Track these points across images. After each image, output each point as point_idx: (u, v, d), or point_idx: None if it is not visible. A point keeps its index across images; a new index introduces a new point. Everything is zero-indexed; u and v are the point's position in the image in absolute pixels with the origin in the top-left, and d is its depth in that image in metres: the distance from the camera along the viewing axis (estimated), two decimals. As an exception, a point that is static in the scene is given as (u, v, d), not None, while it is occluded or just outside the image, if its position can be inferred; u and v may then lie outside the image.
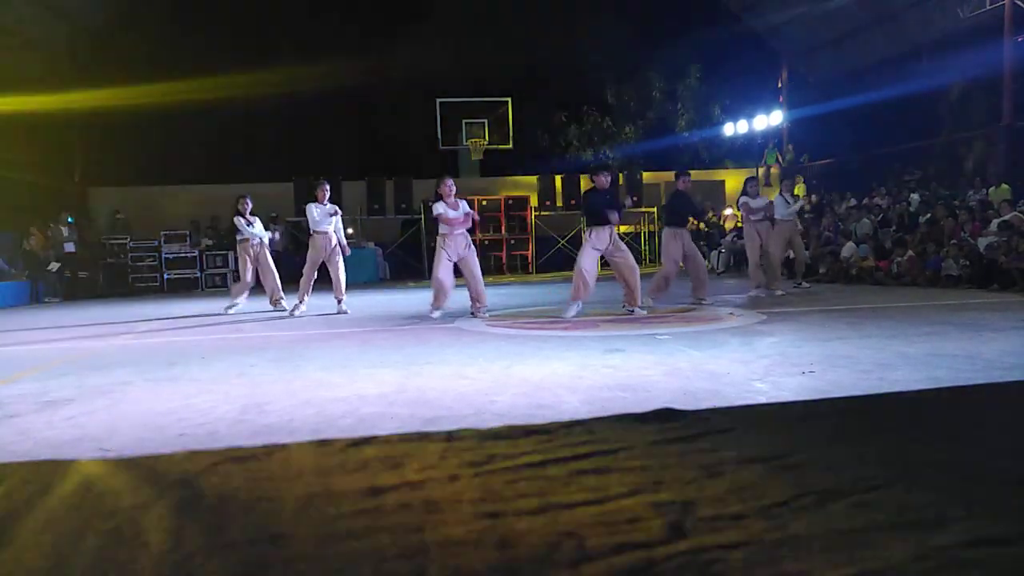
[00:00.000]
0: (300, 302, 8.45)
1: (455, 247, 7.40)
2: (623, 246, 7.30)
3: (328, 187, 8.60)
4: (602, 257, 7.36)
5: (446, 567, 1.82)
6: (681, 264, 8.39)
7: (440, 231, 7.44)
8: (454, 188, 7.55)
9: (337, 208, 8.55)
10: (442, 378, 4.18)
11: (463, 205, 7.52)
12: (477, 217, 7.85)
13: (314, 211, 8.33)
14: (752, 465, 2.48)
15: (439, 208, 7.39)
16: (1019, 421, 3.06)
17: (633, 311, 7.13)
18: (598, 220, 7.10)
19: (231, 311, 9.00)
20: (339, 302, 8.50)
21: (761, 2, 17.74)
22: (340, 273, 8.48)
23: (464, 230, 7.46)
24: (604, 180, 7.27)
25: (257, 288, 9.26)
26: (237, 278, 9.86)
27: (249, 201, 9.12)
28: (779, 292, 9.01)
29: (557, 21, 20.53)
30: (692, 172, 19.21)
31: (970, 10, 13.27)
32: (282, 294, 8.99)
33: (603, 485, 2.35)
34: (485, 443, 2.89)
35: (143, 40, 17.05)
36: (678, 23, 18.90)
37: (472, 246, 7.60)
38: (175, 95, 17.57)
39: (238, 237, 9.07)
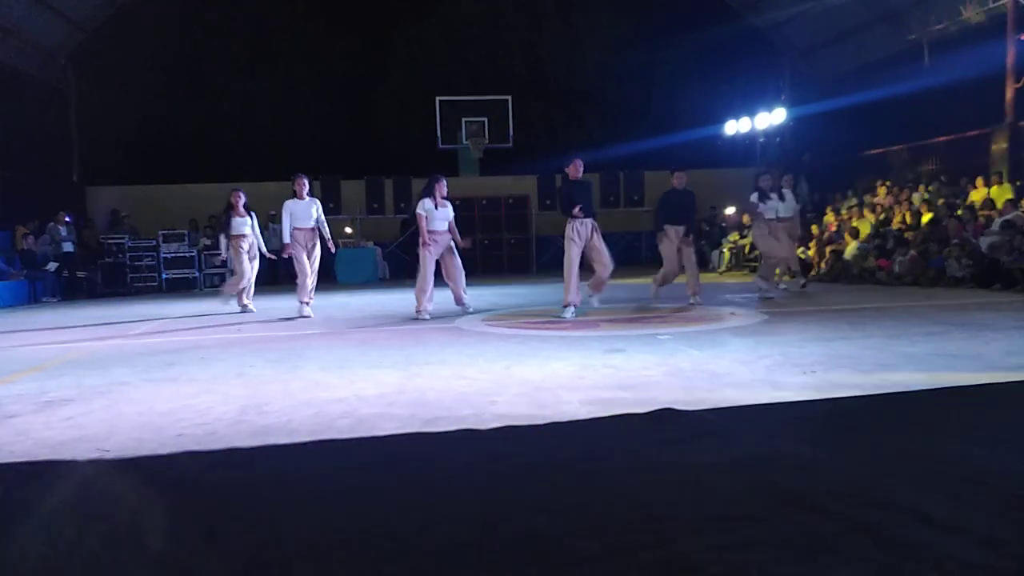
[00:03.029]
0: (307, 303, 8.00)
1: (437, 248, 7.47)
2: (601, 242, 7.29)
3: (306, 181, 8.05)
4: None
5: (444, 566, 1.82)
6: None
7: (424, 237, 7.41)
8: (446, 188, 7.55)
9: (317, 201, 8.14)
10: (442, 378, 4.17)
11: (449, 207, 7.54)
12: (460, 240, 7.71)
13: (291, 207, 7.94)
14: (751, 465, 2.47)
15: (426, 206, 7.36)
16: (1020, 421, 3.05)
17: (592, 298, 7.32)
18: (587, 212, 7.18)
19: (231, 304, 8.80)
20: (306, 304, 7.93)
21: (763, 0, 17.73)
22: (314, 271, 8.04)
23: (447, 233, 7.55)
24: (578, 169, 7.35)
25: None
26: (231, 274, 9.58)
27: (242, 194, 8.76)
28: (781, 287, 8.98)
29: (557, 20, 20.52)
30: (693, 171, 19.27)
31: (973, 8, 13.26)
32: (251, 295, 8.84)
33: (602, 485, 2.34)
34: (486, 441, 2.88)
35: (143, 40, 17.04)
36: (679, 21, 18.89)
37: (454, 246, 7.62)
38: (174, 94, 17.57)
39: (232, 232, 8.72)
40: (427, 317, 7.31)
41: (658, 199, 8.36)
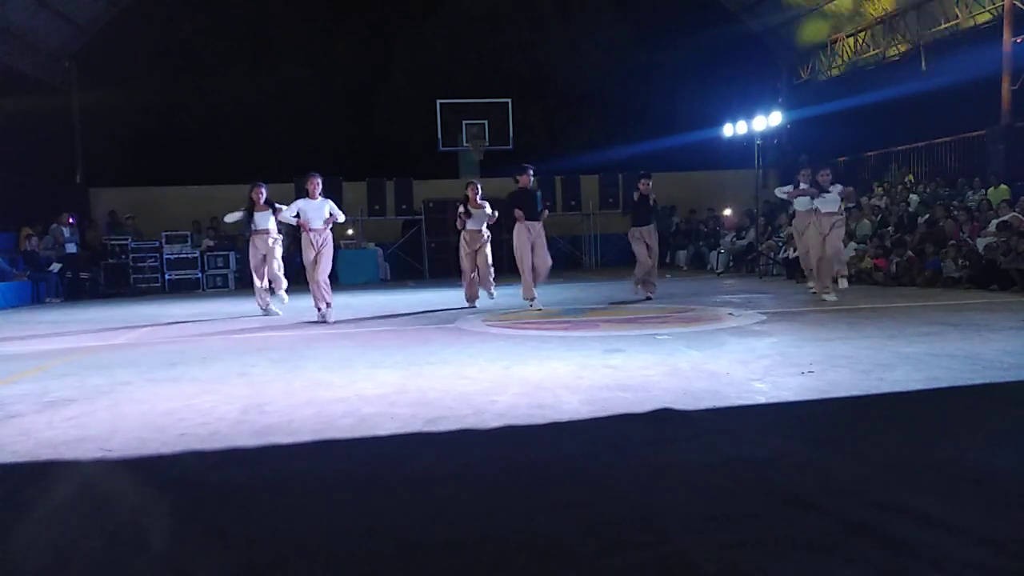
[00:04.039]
0: (322, 308, 7.63)
1: (471, 245, 8.64)
2: (543, 241, 8.37)
3: (319, 180, 7.83)
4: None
5: (445, 567, 1.83)
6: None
7: (464, 229, 8.66)
8: (477, 193, 8.70)
9: (329, 200, 7.94)
10: (443, 378, 4.18)
11: (484, 207, 8.63)
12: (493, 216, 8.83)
13: (302, 206, 7.69)
14: (750, 465, 2.48)
15: (461, 210, 8.66)
16: (1018, 421, 3.06)
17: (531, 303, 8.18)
18: (529, 216, 8.22)
19: (272, 310, 8.42)
20: (320, 309, 7.62)
21: (761, 3, 17.75)
22: (325, 274, 7.67)
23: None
24: (528, 179, 8.46)
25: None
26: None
27: (264, 189, 8.44)
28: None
29: (557, 21, 20.55)
30: (692, 173, 19.30)
31: (969, 11, 13.29)
32: (270, 297, 8.48)
33: (602, 484, 2.36)
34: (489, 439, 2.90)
35: (144, 41, 17.07)
36: (677, 23, 18.93)
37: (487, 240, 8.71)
38: (176, 95, 17.59)
39: (255, 227, 8.37)
40: (492, 297, 8.77)
41: (629, 204, 9.52)
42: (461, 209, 8.57)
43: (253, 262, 8.52)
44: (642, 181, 9.13)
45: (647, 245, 8.90)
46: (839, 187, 8.31)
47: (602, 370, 4.24)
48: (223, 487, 2.48)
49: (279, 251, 8.59)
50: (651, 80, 20.42)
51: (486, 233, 8.68)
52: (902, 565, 1.73)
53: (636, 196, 9.13)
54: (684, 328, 6.07)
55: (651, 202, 9.03)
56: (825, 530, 1.93)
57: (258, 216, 8.44)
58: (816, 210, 8.42)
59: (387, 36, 19.80)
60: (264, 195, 8.49)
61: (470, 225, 8.59)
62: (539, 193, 8.69)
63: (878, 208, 13.47)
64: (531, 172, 8.54)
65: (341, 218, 8.02)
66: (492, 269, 8.76)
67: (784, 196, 9.57)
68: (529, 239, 8.18)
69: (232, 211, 8.74)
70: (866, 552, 1.80)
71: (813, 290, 8.63)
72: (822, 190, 8.32)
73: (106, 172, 17.42)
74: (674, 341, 5.29)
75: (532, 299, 8.12)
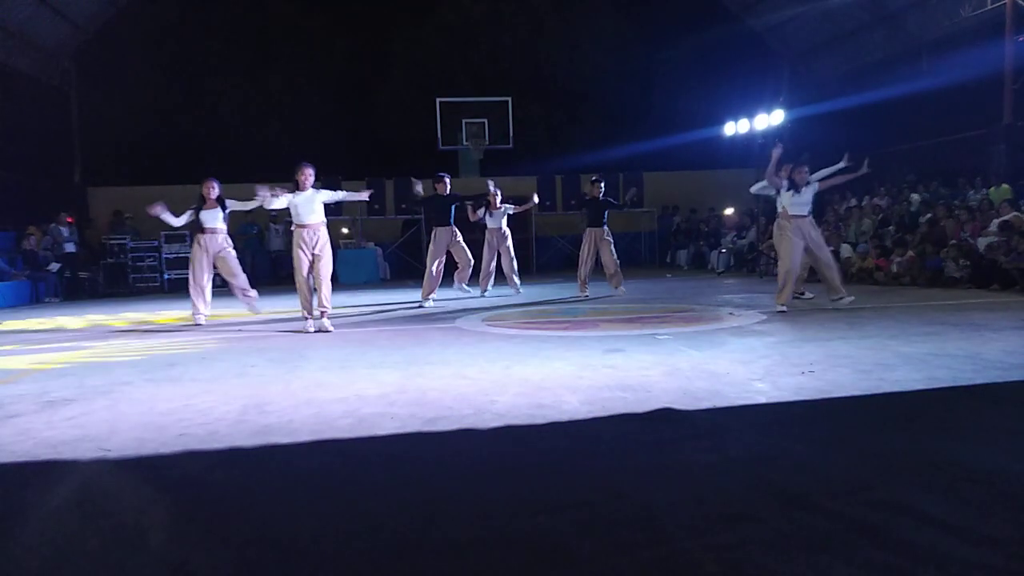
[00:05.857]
0: (308, 318, 6.88)
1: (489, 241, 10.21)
2: (459, 244, 9.19)
3: (311, 171, 6.90)
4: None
5: (444, 567, 1.83)
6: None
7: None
8: (492, 192, 9.99)
9: (322, 190, 7.03)
10: (442, 378, 4.18)
11: (501, 208, 10.19)
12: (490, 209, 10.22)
13: (292, 200, 6.85)
14: (751, 465, 2.48)
15: (480, 214, 10.09)
16: (1018, 421, 3.06)
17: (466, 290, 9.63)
18: (443, 221, 9.06)
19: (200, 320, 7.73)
20: (322, 314, 6.86)
21: (762, 2, 17.74)
22: (325, 277, 6.85)
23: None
24: (445, 187, 9.10)
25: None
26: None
27: (216, 185, 7.83)
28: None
29: (557, 21, 20.54)
30: (693, 172, 19.29)
31: (971, 9, 13.27)
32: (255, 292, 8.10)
33: (602, 484, 2.35)
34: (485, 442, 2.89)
35: (144, 41, 17.07)
36: (678, 23, 18.91)
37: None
38: (176, 95, 17.59)
39: (204, 225, 7.77)
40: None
41: (583, 203, 10.13)
42: (481, 211, 9.84)
43: (195, 264, 7.77)
44: (595, 185, 9.61)
45: (597, 248, 9.53)
46: (815, 187, 7.43)
47: (602, 370, 4.23)
48: (223, 487, 2.48)
49: (232, 251, 8.00)
50: (651, 80, 20.42)
51: (506, 231, 10.09)
52: (902, 565, 1.72)
53: (587, 197, 9.82)
54: (684, 328, 6.07)
55: (603, 200, 9.59)
56: (825, 530, 1.93)
57: (206, 214, 7.76)
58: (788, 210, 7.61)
59: (387, 36, 19.80)
60: (216, 191, 7.82)
61: (490, 223, 10.04)
62: (456, 203, 9.23)
63: (879, 207, 13.47)
64: (446, 180, 9.19)
65: (340, 196, 7.23)
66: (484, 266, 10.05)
67: (756, 189, 9.16)
68: (442, 243, 9.02)
69: (180, 215, 7.83)
70: (866, 552, 1.79)
71: (781, 305, 7.05)
72: (795, 188, 7.24)
73: (105, 172, 17.42)
74: (674, 341, 5.28)
75: (427, 297, 8.87)
